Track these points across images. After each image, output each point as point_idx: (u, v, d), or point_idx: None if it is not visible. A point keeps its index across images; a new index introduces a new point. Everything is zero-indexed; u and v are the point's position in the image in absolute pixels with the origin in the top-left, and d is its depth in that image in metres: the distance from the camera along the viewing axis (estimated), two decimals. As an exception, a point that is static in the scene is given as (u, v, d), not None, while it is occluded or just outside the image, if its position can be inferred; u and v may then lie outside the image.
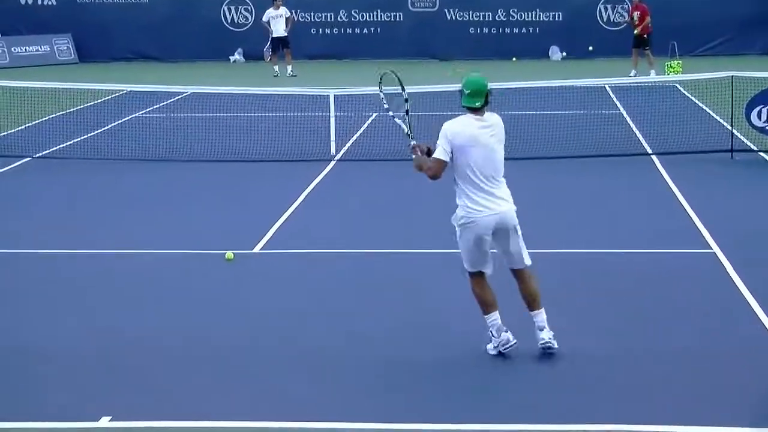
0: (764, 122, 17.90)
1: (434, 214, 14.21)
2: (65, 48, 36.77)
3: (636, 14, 29.24)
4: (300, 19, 35.44)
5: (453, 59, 34.93)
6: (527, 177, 16.60)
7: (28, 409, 7.79)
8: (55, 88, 22.29)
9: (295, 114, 21.80)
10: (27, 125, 21.58)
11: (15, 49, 35.99)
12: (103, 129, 21.43)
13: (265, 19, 31.98)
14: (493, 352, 8.60)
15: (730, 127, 18.25)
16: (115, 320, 9.86)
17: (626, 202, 14.82)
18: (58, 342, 9.25)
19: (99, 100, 24.95)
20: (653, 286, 10.77)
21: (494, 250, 8.67)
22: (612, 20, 35.37)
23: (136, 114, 23.33)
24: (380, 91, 9.30)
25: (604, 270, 11.43)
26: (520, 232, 8.62)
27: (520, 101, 22.71)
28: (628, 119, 21.68)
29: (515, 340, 8.54)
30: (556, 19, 35.79)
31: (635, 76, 27.23)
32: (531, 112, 21.98)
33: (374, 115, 22.24)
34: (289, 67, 31.33)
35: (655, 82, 25.19)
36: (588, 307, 10.08)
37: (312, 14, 36.34)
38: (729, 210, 14.19)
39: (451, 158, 8.47)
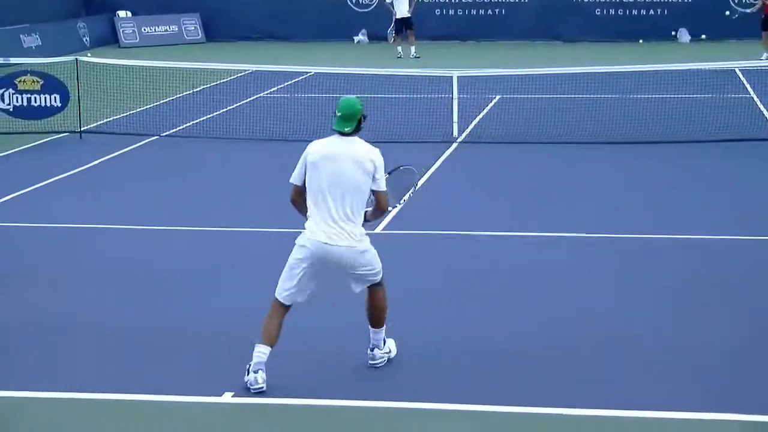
0: None
1: (559, 196, 14.10)
2: (193, 28, 37.35)
3: None
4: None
5: (578, 41, 34.49)
6: (653, 160, 16.34)
7: (154, 383, 7.95)
8: (183, 67, 22.67)
9: (418, 95, 21.79)
10: (155, 104, 22.00)
11: (145, 29, 36.70)
12: (228, 108, 21.73)
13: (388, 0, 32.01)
14: (245, 382, 7.70)
15: None
16: (238, 298, 10.00)
17: (758, 188, 14.45)
18: (182, 318, 9.41)
19: (225, 80, 25.30)
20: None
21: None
22: (744, 1, 34.43)
23: (261, 94, 23.59)
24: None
25: (734, 256, 11.20)
26: (363, 269, 7.80)
27: (647, 84, 22.33)
28: (759, 104, 21.13)
29: (263, 385, 7.60)
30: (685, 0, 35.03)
31: (767, 58, 26.52)
32: (658, 96, 21.58)
33: (497, 97, 22.11)
34: (413, 48, 31.30)
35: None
36: (728, 296, 9.90)
37: (436, -5, 36.25)
38: None
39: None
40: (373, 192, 7.81)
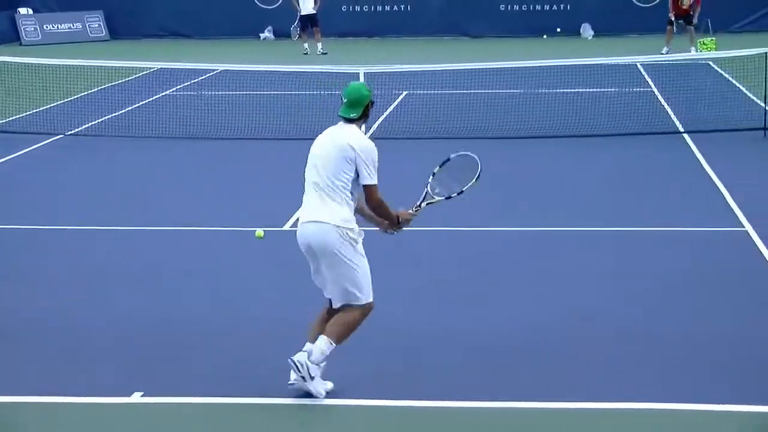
0: (798, 100, 17.74)
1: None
2: (97, 25, 36.86)
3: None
4: (330, -4, 35.36)
5: (484, 36, 34.78)
6: (560, 154, 16.56)
7: (61, 385, 7.86)
8: (87, 65, 22.37)
9: (325, 92, 21.78)
10: (59, 102, 21.69)
11: (47, 27, 36.12)
12: (134, 106, 21.51)
13: (294, -4, 31.95)
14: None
15: (764, 105, 18.10)
16: (146, 298, 9.93)
17: (658, 180, 14.73)
18: (90, 320, 9.32)
19: (130, 78, 25.02)
20: (685, 263, 10.74)
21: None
22: (644, -2, 35.06)
23: (167, 92, 23.39)
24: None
25: (634, 247, 11.40)
26: (339, 263, 7.41)
27: (551, 79, 22.61)
28: (659, 97, 21.54)
29: (292, 382, 7.48)
30: (588, -5, 35.53)
31: (668, 53, 27.00)
32: (562, 90, 21.86)
33: (404, 93, 22.20)
34: (319, 45, 31.28)
35: (687, 59, 25.00)
36: (619, 284, 10.07)
37: (342, -9, 36.26)
38: (761, 188, 14.10)
39: None
40: (363, 187, 7.52)
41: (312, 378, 7.43)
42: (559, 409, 7.39)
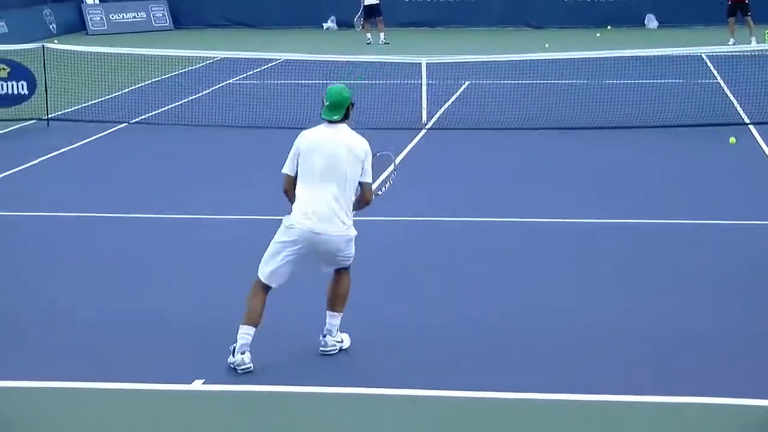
0: None
1: (527, 182, 14.15)
2: (161, 15, 37.18)
3: None
4: (393, -14, 35.33)
5: (546, 27, 34.57)
6: (622, 145, 16.43)
7: (123, 371, 7.94)
8: (151, 54, 22.56)
9: (387, 82, 21.79)
10: (123, 91, 21.91)
11: (113, 16, 36.49)
12: (197, 95, 21.66)
13: (357, -14, 31.97)
14: (230, 363, 7.82)
15: (831, 97, 17.84)
16: (210, 285, 9.99)
17: (723, 173, 14.56)
18: (152, 307, 9.40)
19: (193, 67, 25.20)
20: (750, 258, 10.61)
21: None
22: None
23: (230, 81, 23.52)
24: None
25: (699, 240, 11.28)
26: (345, 255, 7.88)
27: (615, 70, 22.42)
28: (725, 88, 21.27)
29: (250, 365, 7.72)
30: (653, -14, 35.18)
31: (734, 44, 26.65)
32: (626, 81, 21.67)
33: (467, 83, 22.14)
34: (382, 35, 31.29)
35: (753, 50, 24.65)
36: (686, 280, 9.97)
37: (405, -19, 36.22)
38: (829, 182, 13.91)
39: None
40: (361, 184, 7.87)
41: (342, 342, 8.21)
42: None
